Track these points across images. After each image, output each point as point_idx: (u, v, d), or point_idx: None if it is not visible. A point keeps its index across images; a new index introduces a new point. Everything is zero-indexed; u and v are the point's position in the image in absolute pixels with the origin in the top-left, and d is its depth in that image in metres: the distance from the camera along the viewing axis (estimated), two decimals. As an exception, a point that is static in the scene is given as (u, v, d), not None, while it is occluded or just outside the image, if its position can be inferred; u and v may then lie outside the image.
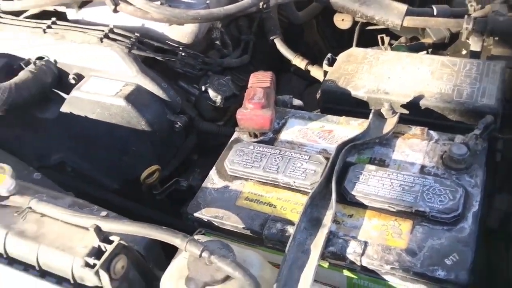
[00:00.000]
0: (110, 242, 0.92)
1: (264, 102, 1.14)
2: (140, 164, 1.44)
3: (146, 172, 1.39)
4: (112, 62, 1.45)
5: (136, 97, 1.41)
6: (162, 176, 1.44)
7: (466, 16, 1.40)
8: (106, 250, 0.91)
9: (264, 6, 1.43)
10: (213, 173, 1.13)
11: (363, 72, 1.32)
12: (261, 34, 1.82)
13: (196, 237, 0.95)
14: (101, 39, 1.45)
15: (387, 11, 1.47)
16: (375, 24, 1.73)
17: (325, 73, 1.36)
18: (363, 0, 1.49)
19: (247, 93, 1.20)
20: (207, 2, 1.45)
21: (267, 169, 1.07)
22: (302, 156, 1.09)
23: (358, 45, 1.75)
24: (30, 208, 1.00)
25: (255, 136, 1.18)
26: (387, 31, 1.78)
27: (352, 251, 0.92)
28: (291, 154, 1.09)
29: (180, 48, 1.51)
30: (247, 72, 1.75)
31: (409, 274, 0.89)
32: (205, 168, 1.58)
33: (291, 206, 1.03)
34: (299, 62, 1.62)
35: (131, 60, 1.43)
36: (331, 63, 1.36)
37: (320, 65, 1.62)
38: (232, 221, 1.01)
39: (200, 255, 0.84)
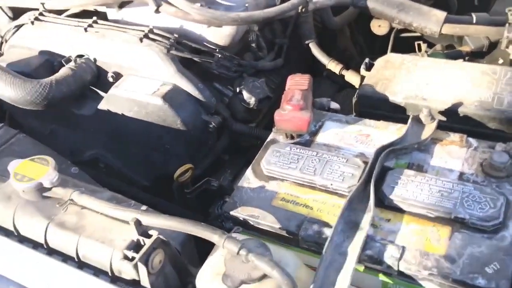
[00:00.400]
0: (149, 236, 0.93)
1: (302, 104, 1.15)
2: (173, 162, 1.46)
3: (180, 170, 1.41)
4: (151, 62, 1.47)
5: (173, 97, 1.43)
6: (193, 175, 1.45)
7: (507, 24, 1.38)
8: (145, 244, 0.92)
9: (303, 10, 1.43)
10: (249, 172, 1.14)
11: (401, 77, 1.31)
12: (295, 37, 1.83)
13: (233, 235, 0.96)
14: (141, 39, 1.47)
15: (425, 18, 1.46)
16: (409, 31, 1.73)
17: (362, 77, 1.36)
18: (402, 7, 1.48)
19: (285, 95, 1.21)
20: (246, 5, 1.46)
21: (304, 170, 1.08)
22: (339, 159, 1.09)
23: (392, 52, 1.75)
24: (71, 200, 1.02)
25: (292, 137, 1.18)
26: (421, 38, 1.77)
27: (390, 255, 0.91)
28: (329, 157, 1.10)
29: (217, 50, 1.53)
30: (280, 75, 1.76)
31: (448, 281, 0.88)
32: (235, 169, 1.61)
33: (328, 209, 1.03)
34: (333, 66, 1.63)
35: (169, 60, 1.46)
36: (368, 68, 1.36)
37: (355, 70, 1.62)
38: (268, 221, 1.02)
39: (238, 253, 0.85)
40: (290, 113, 1.14)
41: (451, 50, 1.62)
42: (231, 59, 1.56)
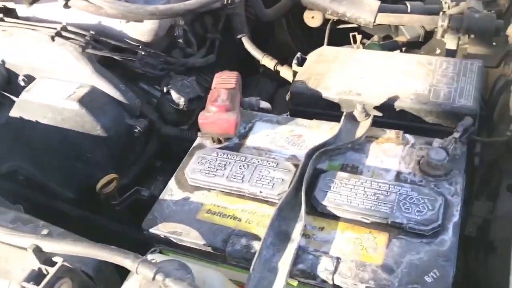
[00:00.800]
0: (53, 264, 0.81)
1: (229, 104, 1.05)
2: (97, 172, 1.33)
3: (103, 181, 1.29)
4: (65, 62, 1.33)
5: (91, 100, 1.30)
6: (121, 185, 1.33)
7: (441, 13, 1.33)
8: (48, 273, 0.80)
9: (229, 1, 1.33)
10: (172, 183, 1.03)
11: (335, 72, 1.24)
12: (228, 32, 1.73)
13: (150, 256, 0.86)
14: (52, 38, 1.33)
15: (359, 8, 1.39)
16: (346, 23, 1.66)
17: (295, 73, 1.28)
18: (334, -4, 1.41)
19: (210, 95, 1.10)
20: (169, -4, 1.34)
21: (231, 178, 0.98)
22: (269, 164, 1.00)
23: (329, 44, 1.68)
24: (-40, 226, 0.88)
25: (219, 141, 1.08)
26: (359, 29, 1.71)
27: (323, 268, 0.83)
28: (258, 162, 1.00)
29: (140, 47, 1.40)
30: (213, 73, 1.64)
31: (386, 293, 0.81)
32: (168, 176, 1.49)
33: (257, 219, 0.93)
34: (268, 62, 1.53)
35: (86, 60, 1.32)
36: (300, 62, 1.28)
37: (290, 65, 1.53)
38: (192, 237, 0.92)
39: (154, 278, 0.75)
40: (215, 115, 1.04)
41: (387, 41, 1.57)
42: (156, 57, 1.44)
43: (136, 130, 1.36)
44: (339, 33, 1.77)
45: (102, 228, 1.44)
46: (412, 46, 1.54)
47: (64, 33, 1.34)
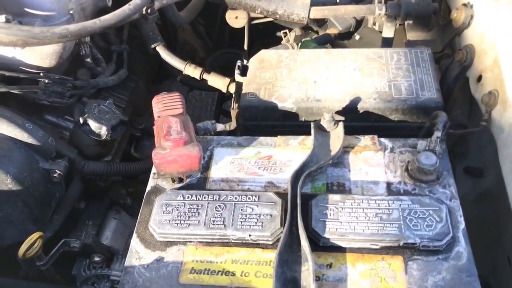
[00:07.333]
0: None
1: (185, 136, 0.87)
2: (11, 231, 1.09)
3: (26, 244, 1.04)
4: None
5: (-7, 149, 1.04)
6: (44, 239, 1.10)
7: (376, 2, 1.27)
8: None
9: (149, 11, 1.14)
10: (135, 242, 0.84)
11: (284, 78, 1.12)
12: (133, 41, 1.53)
13: None
14: None
15: (290, 3, 1.28)
16: (261, 18, 1.55)
17: (239, 84, 1.13)
18: (262, -7, 1.28)
19: (158, 127, 0.92)
20: (71, 12, 1.10)
21: (210, 224, 0.82)
22: (249, 198, 0.85)
23: (248, 43, 1.56)
24: None
25: (180, 180, 0.91)
26: (272, 23, 1.60)
27: (347, 313, 0.73)
28: (235, 198, 0.86)
29: (41, 74, 1.16)
30: (126, 89, 1.45)
31: (420, 327, 0.73)
32: (98, 218, 1.28)
33: (254, 269, 0.79)
34: (192, 71, 1.36)
35: (-23, 101, 1.05)
36: (243, 72, 1.14)
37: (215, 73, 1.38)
38: (181, 309, 0.75)
39: None
40: (174, 151, 0.86)
41: (320, 35, 1.48)
42: (62, 82, 1.20)
43: (55, 175, 1.12)
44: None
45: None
46: (343, 37, 1.47)
47: None
